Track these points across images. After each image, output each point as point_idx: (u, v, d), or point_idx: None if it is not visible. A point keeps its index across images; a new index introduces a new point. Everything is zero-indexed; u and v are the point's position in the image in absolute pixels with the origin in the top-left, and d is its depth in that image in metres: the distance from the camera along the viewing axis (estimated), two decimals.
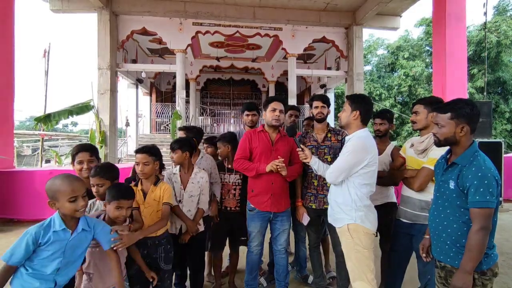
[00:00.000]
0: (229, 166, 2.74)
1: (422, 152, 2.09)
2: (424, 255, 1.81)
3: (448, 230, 1.55)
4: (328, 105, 2.58)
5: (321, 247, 2.86)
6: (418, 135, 2.26)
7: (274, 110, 2.45)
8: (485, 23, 7.24)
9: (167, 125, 13.36)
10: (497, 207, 1.48)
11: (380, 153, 2.51)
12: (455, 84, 6.30)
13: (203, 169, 2.66)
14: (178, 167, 2.46)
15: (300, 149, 2.22)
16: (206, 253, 3.02)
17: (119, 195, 1.79)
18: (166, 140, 11.57)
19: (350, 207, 1.97)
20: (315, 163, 2.19)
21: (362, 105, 2.02)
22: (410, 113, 2.82)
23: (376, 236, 2.55)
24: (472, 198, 1.43)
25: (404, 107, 20.47)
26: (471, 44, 17.05)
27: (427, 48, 20.55)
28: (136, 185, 2.15)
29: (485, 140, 5.30)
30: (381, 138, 2.61)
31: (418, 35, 21.36)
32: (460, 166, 1.51)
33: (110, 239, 1.72)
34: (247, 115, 3.03)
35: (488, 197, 1.41)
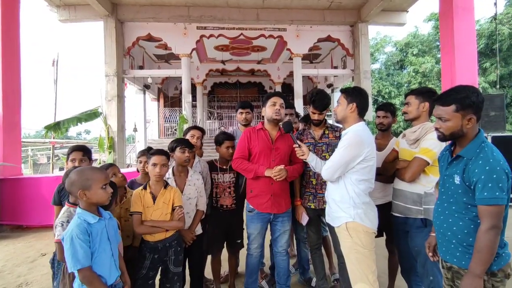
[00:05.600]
0: (224, 166, 2.67)
1: (414, 142, 2.04)
2: (430, 254, 1.69)
3: (454, 228, 1.42)
4: (323, 109, 2.41)
5: (323, 248, 2.75)
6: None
7: (274, 104, 2.35)
8: (495, 13, 7.01)
9: (175, 129, 13.45)
10: (508, 203, 1.35)
11: (382, 148, 2.42)
12: (465, 78, 6.06)
13: (200, 172, 2.61)
14: (170, 172, 2.38)
15: (297, 146, 2.13)
16: None
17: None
18: None
19: (348, 205, 1.86)
20: (312, 160, 2.09)
21: (358, 97, 1.93)
22: None
23: (382, 236, 2.45)
24: (480, 195, 1.30)
25: None
26: (482, 37, 16.54)
27: (437, 43, 20.06)
28: (145, 188, 2.11)
29: (499, 134, 5.05)
30: (384, 132, 2.50)
31: (428, 31, 20.90)
32: (466, 159, 1.38)
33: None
34: (241, 113, 2.96)
35: (497, 193, 1.27)
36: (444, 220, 1.47)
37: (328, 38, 9.98)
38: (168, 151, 2.34)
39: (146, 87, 12.03)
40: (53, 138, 9.08)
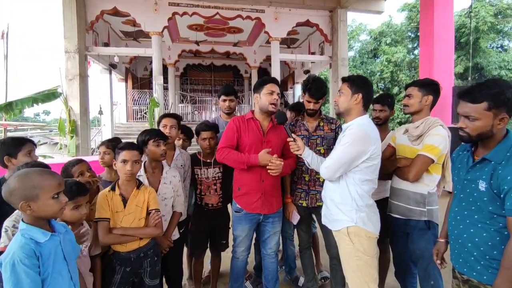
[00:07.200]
0: (208, 160, 2.38)
1: (417, 138, 1.87)
2: (438, 261, 1.57)
3: (476, 239, 1.28)
4: (319, 98, 2.18)
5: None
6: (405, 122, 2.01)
7: (271, 93, 2.05)
8: (470, 5, 7.10)
9: (145, 113, 12.70)
10: None
11: None
12: (442, 69, 6.16)
13: (182, 165, 2.31)
14: (141, 169, 2.02)
15: (292, 139, 1.90)
16: (186, 256, 2.72)
17: (75, 193, 1.48)
18: (144, 129, 10.94)
19: (350, 207, 1.68)
20: (308, 156, 1.86)
21: (364, 87, 1.71)
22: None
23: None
24: None
25: None
26: None
27: (409, 34, 20.57)
28: (113, 189, 1.76)
29: None
30: (381, 126, 2.32)
31: (401, 21, 21.31)
32: (494, 164, 1.22)
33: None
34: (224, 100, 2.66)
35: None
36: (464, 230, 1.32)
37: (307, 23, 9.72)
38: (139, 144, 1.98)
39: (112, 66, 11.10)
40: (5, 120, 8.13)
